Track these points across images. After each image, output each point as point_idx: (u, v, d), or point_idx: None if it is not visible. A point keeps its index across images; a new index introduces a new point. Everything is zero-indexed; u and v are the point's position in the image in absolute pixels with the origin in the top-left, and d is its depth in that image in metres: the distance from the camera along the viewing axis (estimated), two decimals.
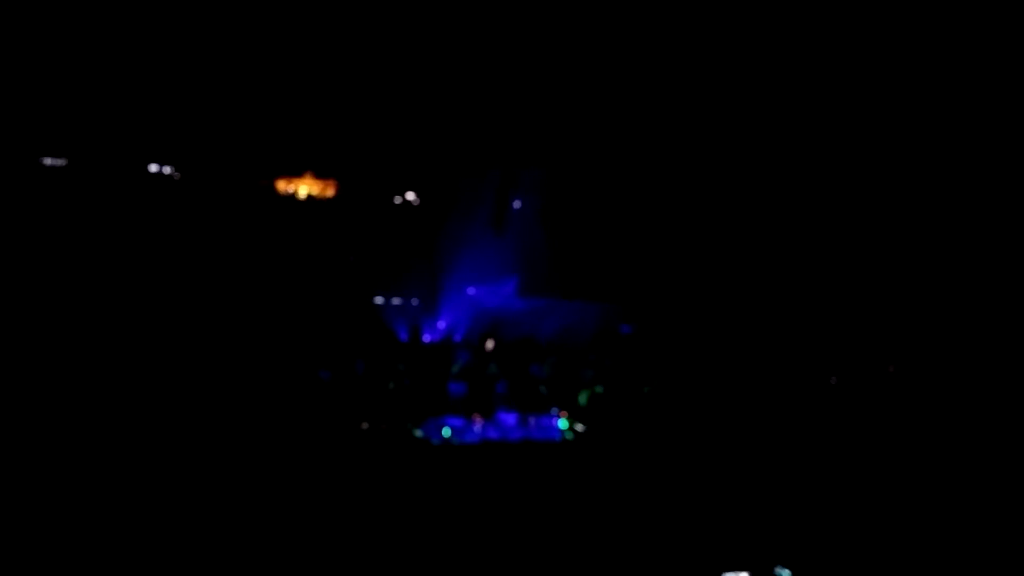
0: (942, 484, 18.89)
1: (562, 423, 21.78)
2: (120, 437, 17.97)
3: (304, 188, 23.24)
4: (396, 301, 22.91)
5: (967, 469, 19.11)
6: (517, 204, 23.22)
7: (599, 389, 22.02)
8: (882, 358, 21.48)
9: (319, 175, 23.33)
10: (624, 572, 16.93)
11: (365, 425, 20.68)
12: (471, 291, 23.35)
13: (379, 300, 22.82)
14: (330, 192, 23.35)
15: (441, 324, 22.97)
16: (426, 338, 22.81)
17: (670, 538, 17.85)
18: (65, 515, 15.13)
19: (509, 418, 21.73)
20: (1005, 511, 17.82)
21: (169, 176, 22.36)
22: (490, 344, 22.80)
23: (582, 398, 21.96)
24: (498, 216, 23.09)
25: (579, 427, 21.74)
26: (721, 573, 16.99)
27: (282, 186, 23.20)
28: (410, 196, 23.75)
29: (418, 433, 20.77)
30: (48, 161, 21.32)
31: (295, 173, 23.21)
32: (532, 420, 21.57)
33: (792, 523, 18.24)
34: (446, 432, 21.02)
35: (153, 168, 22.23)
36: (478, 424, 21.43)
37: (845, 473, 19.55)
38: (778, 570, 17.17)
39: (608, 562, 17.10)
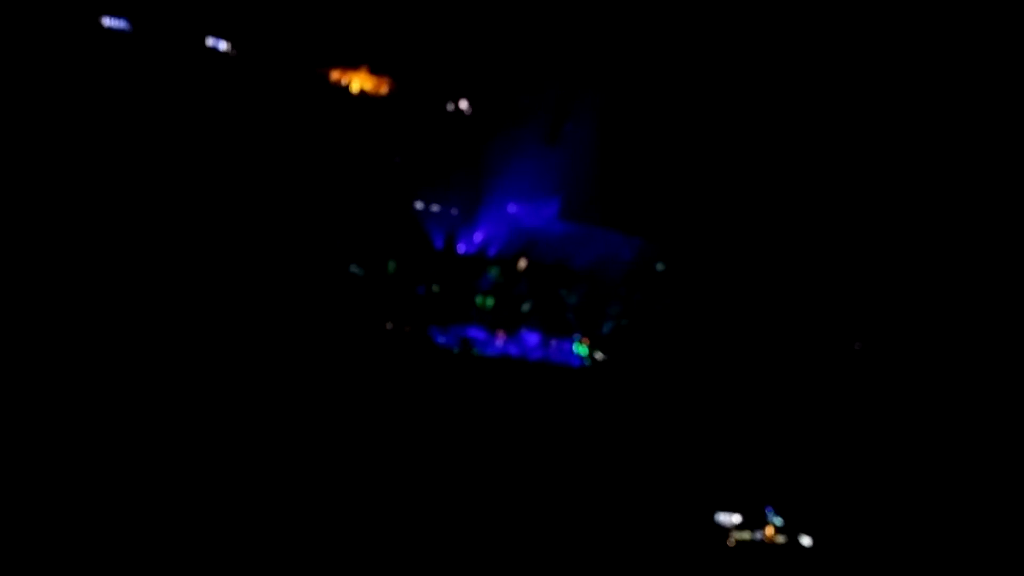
0: (930, 440, 20.10)
1: (582, 350, 22.75)
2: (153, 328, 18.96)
3: (358, 82, 23.54)
4: (436, 208, 23.44)
5: (953, 426, 20.26)
6: (568, 127, 23.45)
7: (624, 322, 22.95)
8: (899, 328, 22.27)
9: (375, 70, 23.61)
10: (622, 503, 18.18)
11: (389, 325, 21.82)
12: (512, 208, 23.87)
13: (419, 205, 23.38)
14: (383, 89, 23.66)
15: (477, 237, 23.58)
16: (460, 248, 23.45)
17: (669, 476, 19.13)
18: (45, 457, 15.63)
19: (532, 338, 22.80)
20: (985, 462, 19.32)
21: (224, 52, 22.74)
22: (523, 263, 23.44)
23: (606, 328, 22.93)
24: (553, 129, 23.34)
25: (599, 356, 22.72)
26: (715, 512, 18.50)
27: (336, 76, 23.52)
28: (463, 104, 24.01)
29: (440, 340, 21.92)
30: (108, 23, 21.71)
31: (351, 65, 23.49)
32: (554, 343, 22.61)
33: (786, 471, 19.69)
34: (467, 342, 21.98)
35: (210, 42, 22.63)
36: (500, 339, 22.53)
37: (843, 430, 20.61)
38: (769, 514, 18.70)
39: (607, 491, 18.36)
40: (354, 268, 22.21)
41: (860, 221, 22.71)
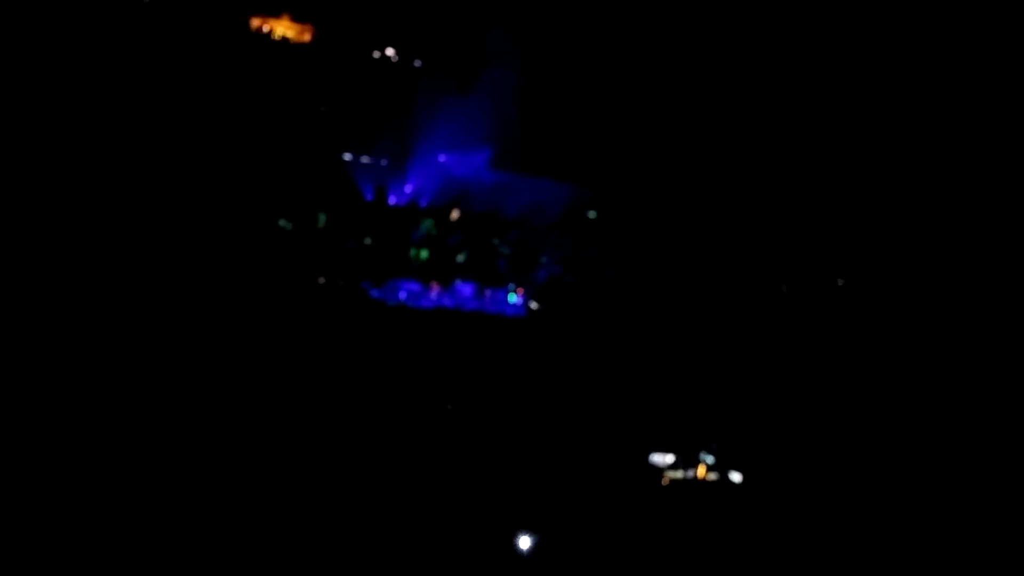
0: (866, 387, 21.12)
1: (516, 299, 23.17)
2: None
3: (280, 30, 23.42)
4: (365, 159, 23.47)
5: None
6: (496, 75, 23.61)
7: (557, 270, 23.45)
8: (834, 271, 23.35)
9: (297, 18, 23.50)
10: (558, 449, 18.95)
11: (322, 280, 22.04)
12: (442, 158, 23.97)
13: (347, 156, 23.38)
14: (306, 37, 23.56)
15: (408, 188, 23.65)
16: (392, 200, 23.55)
17: (606, 417, 19.94)
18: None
19: (466, 289, 23.05)
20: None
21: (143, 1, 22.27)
22: (455, 214, 23.75)
23: (540, 277, 23.39)
24: (466, 76, 23.46)
25: (534, 305, 23.23)
26: (650, 454, 19.47)
27: (256, 24, 23.36)
28: (389, 52, 23.99)
29: (374, 293, 22.19)
30: None
31: (272, 13, 23.38)
32: (488, 293, 22.97)
33: (718, 415, 20.59)
34: (402, 295, 22.41)
35: None
36: (435, 291, 22.78)
37: (776, 374, 21.52)
38: (702, 455, 19.66)
39: (543, 436, 19.18)
40: (283, 222, 22.28)
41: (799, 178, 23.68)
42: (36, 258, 19.04)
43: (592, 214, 24.04)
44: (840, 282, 23.14)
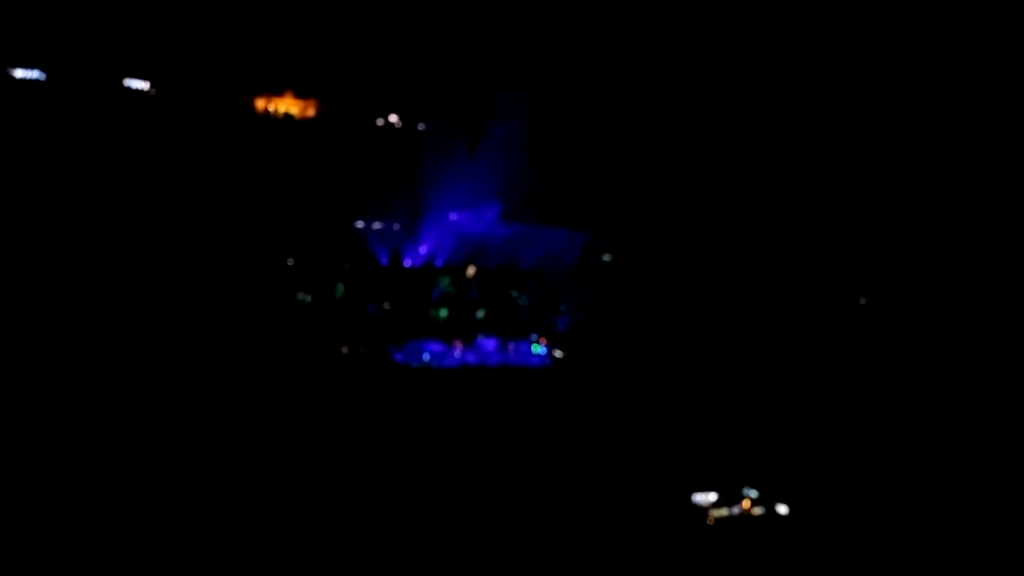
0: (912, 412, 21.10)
1: (540, 349, 23.62)
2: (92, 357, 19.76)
3: (284, 107, 24.17)
4: (377, 225, 24.00)
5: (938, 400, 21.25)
6: (501, 129, 24.24)
7: (579, 316, 23.97)
8: (857, 290, 23.62)
9: (300, 94, 24.24)
10: (598, 494, 18.83)
11: (345, 349, 22.52)
12: (453, 216, 24.44)
13: (360, 224, 23.96)
14: (310, 112, 24.25)
15: (422, 249, 24.11)
16: (407, 263, 23.99)
17: (643, 460, 19.93)
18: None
19: (489, 344, 23.49)
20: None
21: (145, 92, 23.31)
22: (471, 270, 24.13)
23: (561, 325, 23.90)
24: (473, 135, 24.00)
25: (558, 353, 23.56)
26: (692, 494, 19.18)
27: (261, 104, 24.08)
28: (392, 118, 24.63)
29: (398, 357, 22.65)
30: (20, 74, 22.27)
31: (275, 91, 24.12)
32: (511, 346, 23.37)
33: (760, 448, 20.56)
34: (426, 357, 22.86)
35: (130, 83, 23.12)
36: (458, 349, 23.21)
37: (816, 403, 21.61)
38: (746, 490, 19.38)
39: (582, 483, 19.04)
40: (301, 295, 22.88)
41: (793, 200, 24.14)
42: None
43: (607, 257, 24.51)
44: (863, 301, 23.21)
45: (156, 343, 20.47)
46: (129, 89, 23.28)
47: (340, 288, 23.26)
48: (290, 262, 23.09)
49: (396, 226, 24.18)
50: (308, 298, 23.01)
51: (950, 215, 22.67)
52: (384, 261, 23.97)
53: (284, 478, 17.94)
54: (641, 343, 23.45)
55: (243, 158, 23.54)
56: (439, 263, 24.28)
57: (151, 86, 23.54)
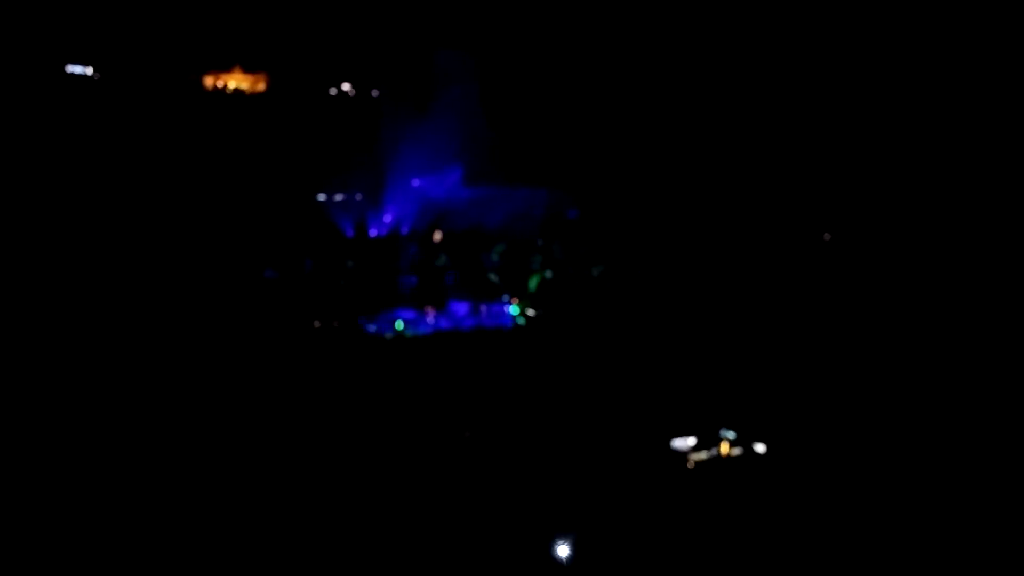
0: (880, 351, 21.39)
1: (513, 309, 23.75)
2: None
3: (233, 83, 24.15)
4: (339, 197, 23.98)
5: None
6: (456, 91, 24.24)
7: (548, 274, 24.04)
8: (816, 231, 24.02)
9: (248, 69, 24.29)
10: (579, 445, 19.01)
11: (317, 323, 22.50)
12: (416, 183, 24.50)
13: (322, 197, 23.95)
14: (261, 86, 24.29)
15: (387, 218, 24.14)
16: (372, 232, 24.02)
17: (621, 411, 20.15)
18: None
19: (461, 307, 23.58)
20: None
21: (89, 77, 23.22)
22: (438, 235, 24.21)
23: (532, 284, 23.91)
24: (425, 99, 24.06)
25: (530, 312, 23.77)
26: (670, 439, 19.50)
27: (210, 82, 24.06)
28: (345, 87, 24.63)
29: (371, 328, 22.71)
30: None
31: (223, 68, 24.13)
32: (484, 308, 23.50)
33: (736, 390, 20.79)
34: (399, 325, 22.88)
35: (72, 69, 23.04)
36: (430, 315, 23.31)
37: (790, 340, 21.94)
38: (723, 432, 19.71)
39: (562, 436, 19.27)
40: (269, 272, 22.91)
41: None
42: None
43: (573, 213, 24.70)
44: (827, 237, 23.64)
45: (119, 326, 20.43)
46: (72, 75, 23.16)
47: (307, 263, 23.34)
48: (254, 241, 23.08)
49: (359, 196, 24.17)
50: (276, 274, 23.07)
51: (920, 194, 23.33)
52: (349, 232, 23.97)
53: (267, 457, 18.04)
54: (613, 296, 23.68)
55: (197, 138, 23.42)
56: (405, 230, 24.34)
57: (95, 71, 23.39)
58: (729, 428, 20.15)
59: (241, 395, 19.53)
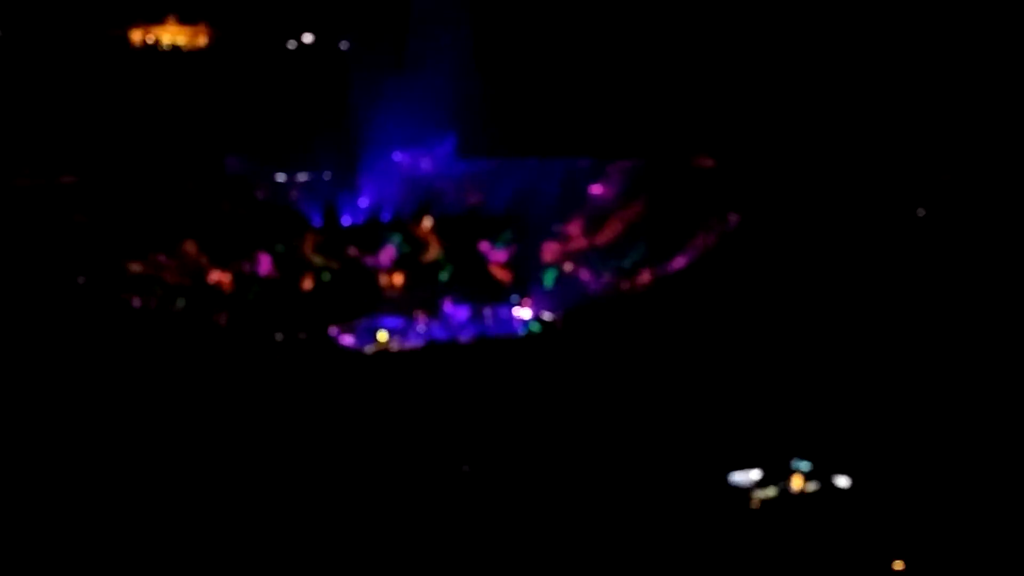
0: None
1: (525, 313, 22.48)
2: None
3: (168, 37, 23.32)
4: (303, 177, 22.93)
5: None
6: (445, 39, 22.96)
7: (568, 267, 22.72)
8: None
9: (185, 20, 23.39)
10: (619, 482, 18.13)
11: (279, 336, 21.35)
12: (398, 157, 23.31)
13: (281, 177, 22.83)
14: (202, 40, 23.49)
15: (363, 201, 22.99)
16: (346, 220, 22.92)
17: (662, 437, 19.16)
18: None
19: (459, 312, 22.36)
20: None
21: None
22: (428, 222, 23.00)
23: (548, 279, 22.50)
24: (398, 48, 23.00)
25: (547, 316, 22.45)
26: (728, 473, 18.57)
27: (138, 37, 23.20)
28: (307, 38, 23.80)
29: (346, 341, 21.48)
30: None
31: (153, 19, 23.25)
32: (488, 312, 22.26)
33: (808, 407, 19.63)
34: (381, 336, 21.67)
35: None
36: (421, 323, 22.08)
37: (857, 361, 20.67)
38: (795, 462, 18.70)
39: (591, 477, 18.25)
40: (216, 275, 21.66)
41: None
42: None
43: (598, 188, 23.14)
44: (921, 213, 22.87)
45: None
46: None
47: (263, 259, 22.04)
48: (196, 232, 21.84)
49: (327, 175, 22.99)
50: (226, 278, 21.88)
51: None
52: (317, 221, 22.75)
53: (213, 519, 16.94)
54: (651, 292, 22.44)
55: (123, 107, 22.39)
56: (386, 217, 23.06)
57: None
58: (803, 457, 19.25)
59: (173, 431, 18.60)
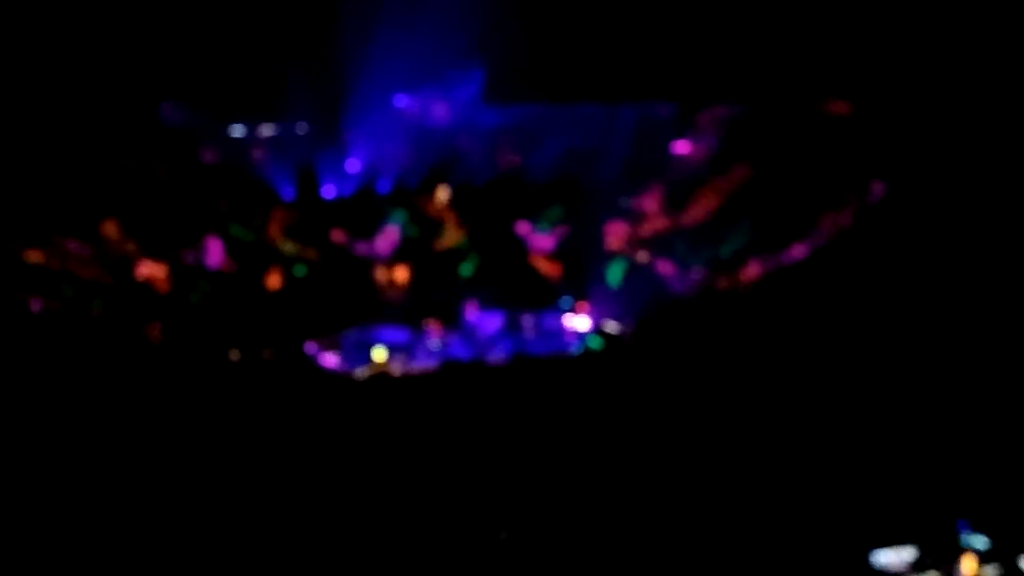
0: None
1: (581, 322, 19.98)
2: None
3: None
4: (268, 131, 20.01)
5: None
6: None
7: (642, 258, 20.04)
8: None
9: None
10: (707, 566, 16.13)
11: (235, 354, 19.10)
12: (402, 102, 20.26)
13: (237, 131, 19.90)
14: None
15: (353, 164, 20.14)
16: (329, 191, 20.10)
17: (780, 501, 17.09)
18: None
19: (488, 321, 19.86)
20: None
21: None
22: (443, 193, 20.11)
23: (614, 275, 19.81)
24: None
25: (612, 326, 19.93)
26: (869, 551, 16.67)
27: None
28: None
29: (329, 361, 19.17)
30: None
31: None
32: (528, 321, 19.71)
33: (980, 464, 17.59)
34: (379, 354, 19.26)
35: None
36: (434, 335, 19.66)
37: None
38: (966, 536, 16.61)
39: (676, 549, 16.33)
40: (148, 267, 19.06)
41: None
42: None
43: (683, 146, 20.01)
44: None
45: None
46: None
47: (214, 247, 19.48)
48: (120, 211, 19.08)
49: (302, 128, 20.11)
50: (162, 272, 19.30)
51: None
52: (287, 192, 19.91)
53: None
54: (762, 298, 19.71)
55: (13, 33, 18.77)
56: (385, 187, 20.16)
57: None
58: (976, 529, 16.99)
59: (79, 486, 16.50)
